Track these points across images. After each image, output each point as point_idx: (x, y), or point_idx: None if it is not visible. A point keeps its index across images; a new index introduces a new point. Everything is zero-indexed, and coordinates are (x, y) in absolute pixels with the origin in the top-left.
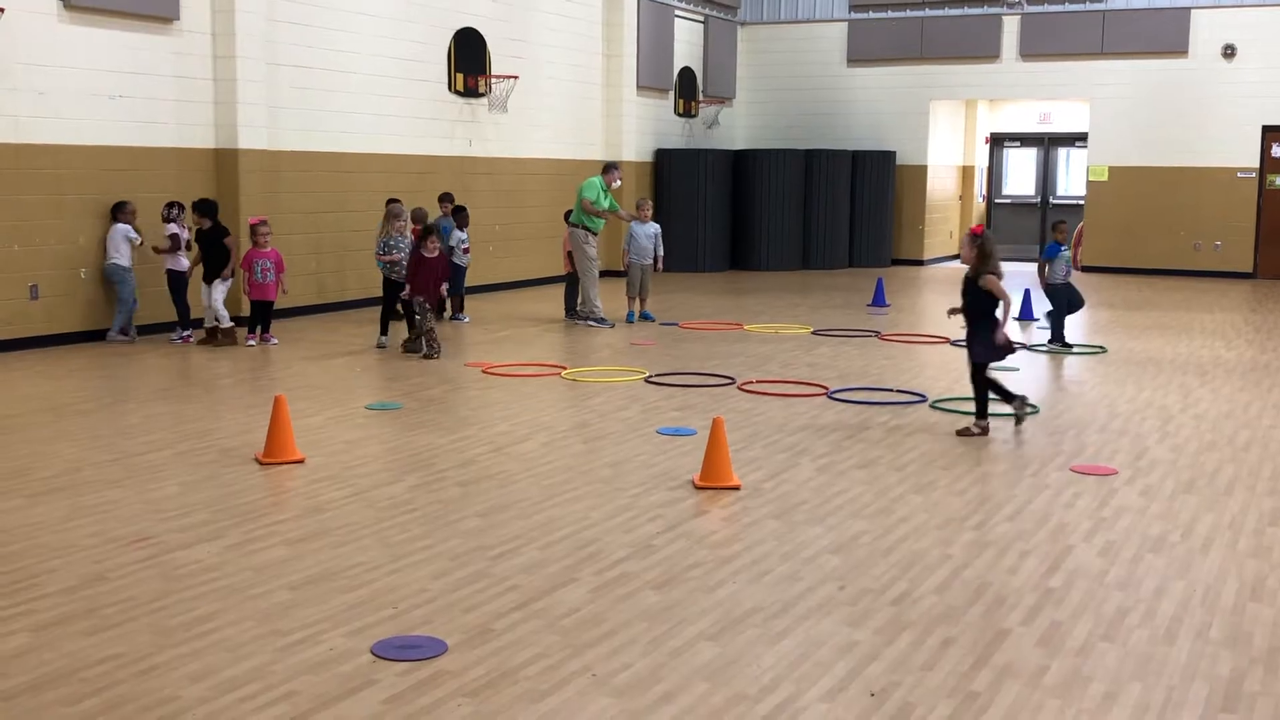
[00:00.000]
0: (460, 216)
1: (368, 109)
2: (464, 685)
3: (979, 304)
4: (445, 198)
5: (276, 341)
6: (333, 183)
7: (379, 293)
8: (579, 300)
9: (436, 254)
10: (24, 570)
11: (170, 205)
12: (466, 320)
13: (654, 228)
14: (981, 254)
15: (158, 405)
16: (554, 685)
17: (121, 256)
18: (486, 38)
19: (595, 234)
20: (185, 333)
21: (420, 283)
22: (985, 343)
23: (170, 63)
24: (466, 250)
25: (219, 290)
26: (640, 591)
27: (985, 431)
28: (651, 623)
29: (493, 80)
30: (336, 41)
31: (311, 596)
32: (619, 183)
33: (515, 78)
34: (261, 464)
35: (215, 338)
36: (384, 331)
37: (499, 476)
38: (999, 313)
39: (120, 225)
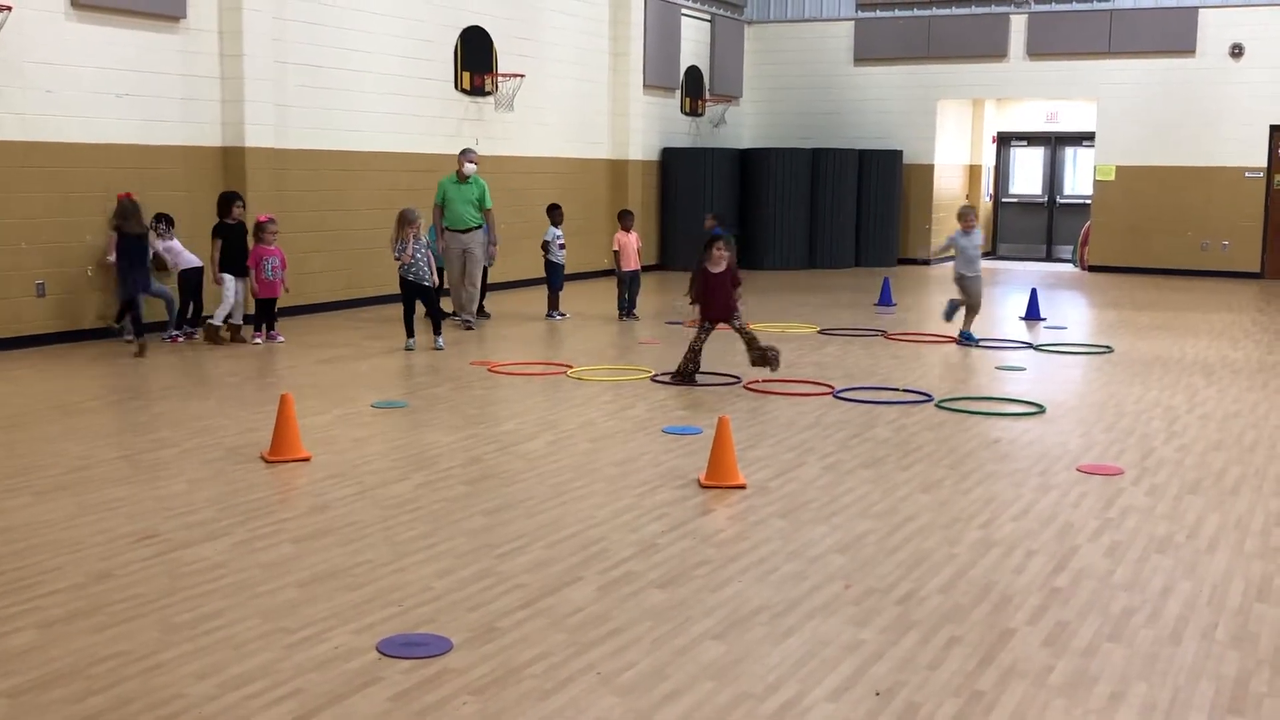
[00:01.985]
0: (555, 214)
1: (375, 107)
2: (469, 683)
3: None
4: None
5: (283, 339)
6: (339, 181)
7: (387, 291)
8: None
9: (724, 267)
10: (31, 567)
11: (159, 219)
12: (568, 317)
13: (979, 237)
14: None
15: (164, 403)
16: (559, 684)
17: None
18: (493, 36)
19: (462, 231)
20: (175, 332)
21: (708, 300)
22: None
23: (177, 61)
24: (562, 246)
25: (239, 287)
26: (646, 590)
27: (138, 345)
28: (657, 621)
29: (499, 79)
30: (344, 40)
31: (317, 594)
32: (471, 166)
33: (522, 76)
34: (267, 462)
35: (217, 337)
36: (410, 334)
37: (505, 475)
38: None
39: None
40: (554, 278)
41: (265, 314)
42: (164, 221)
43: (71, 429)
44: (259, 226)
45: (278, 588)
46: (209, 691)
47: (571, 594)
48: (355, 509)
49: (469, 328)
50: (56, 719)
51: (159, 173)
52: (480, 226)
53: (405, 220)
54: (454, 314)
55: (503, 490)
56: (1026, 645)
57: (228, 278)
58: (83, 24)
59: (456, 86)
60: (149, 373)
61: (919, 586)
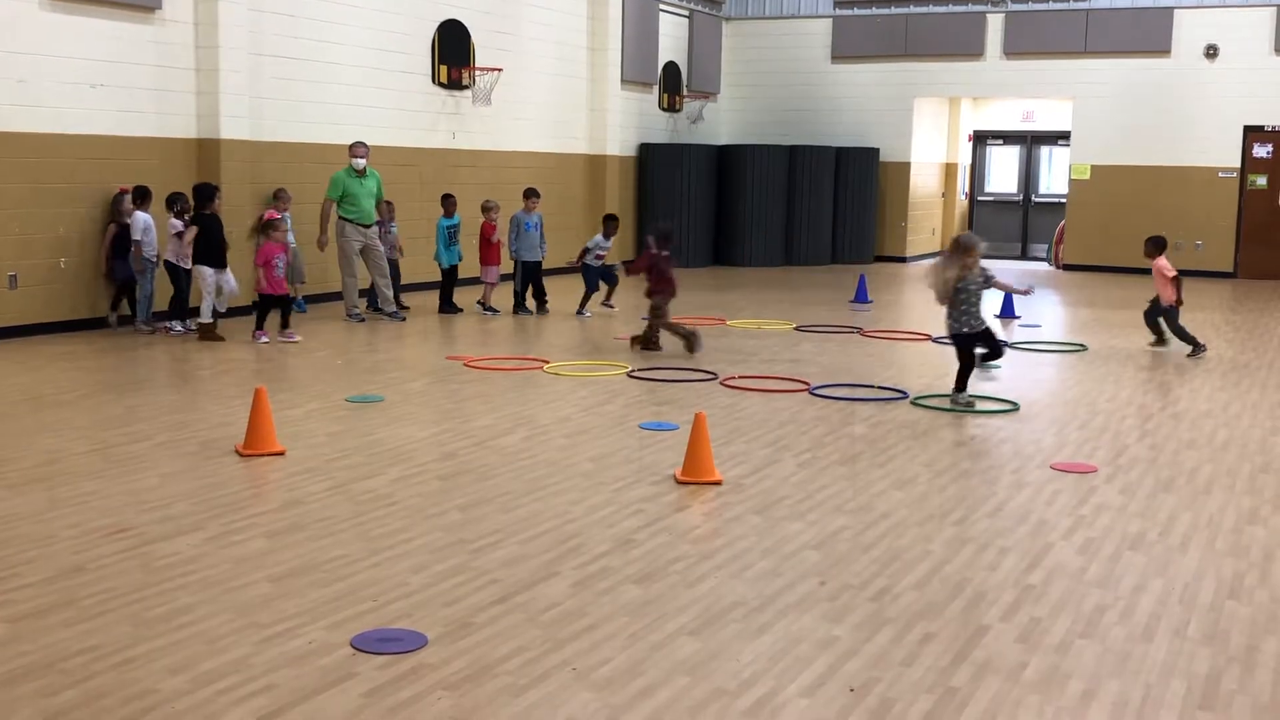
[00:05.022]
0: (610, 225)
1: (351, 100)
2: (444, 679)
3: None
4: (530, 193)
5: (300, 338)
6: (315, 173)
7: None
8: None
9: None
10: (2, 561)
11: (175, 198)
12: (589, 316)
13: None
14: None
15: (138, 396)
16: (534, 679)
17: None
18: (470, 30)
19: (365, 226)
20: (178, 324)
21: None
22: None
23: (152, 52)
24: (599, 257)
25: (220, 282)
26: (621, 586)
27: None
28: (632, 617)
29: (476, 73)
30: (320, 32)
31: (291, 589)
32: (361, 161)
33: (499, 70)
34: (242, 456)
35: (213, 335)
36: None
37: (480, 470)
38: None
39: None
40: (590, 279)
41: (265, 311)
42: (177, 203)
43: (44, 422)
44: (269, 224)
45: (251, 583)
46: (181, 687)
47: (547, 589)
48: (329, 504)
49: (402, 319)
50: (28, 713)
51: (133, 164)
52: (378, 221)
53: (964, 247)
54: (379, 310)
55: (478, 485)
56: (1000, 642)
57: (206, 271)
58: (57, 14)
59: (434, 80)
60: (123, 366)
61: (893, 583)
